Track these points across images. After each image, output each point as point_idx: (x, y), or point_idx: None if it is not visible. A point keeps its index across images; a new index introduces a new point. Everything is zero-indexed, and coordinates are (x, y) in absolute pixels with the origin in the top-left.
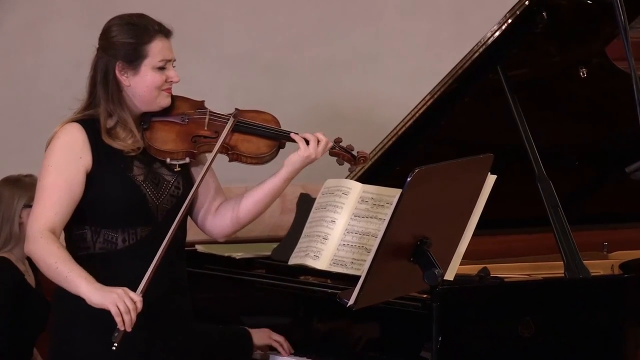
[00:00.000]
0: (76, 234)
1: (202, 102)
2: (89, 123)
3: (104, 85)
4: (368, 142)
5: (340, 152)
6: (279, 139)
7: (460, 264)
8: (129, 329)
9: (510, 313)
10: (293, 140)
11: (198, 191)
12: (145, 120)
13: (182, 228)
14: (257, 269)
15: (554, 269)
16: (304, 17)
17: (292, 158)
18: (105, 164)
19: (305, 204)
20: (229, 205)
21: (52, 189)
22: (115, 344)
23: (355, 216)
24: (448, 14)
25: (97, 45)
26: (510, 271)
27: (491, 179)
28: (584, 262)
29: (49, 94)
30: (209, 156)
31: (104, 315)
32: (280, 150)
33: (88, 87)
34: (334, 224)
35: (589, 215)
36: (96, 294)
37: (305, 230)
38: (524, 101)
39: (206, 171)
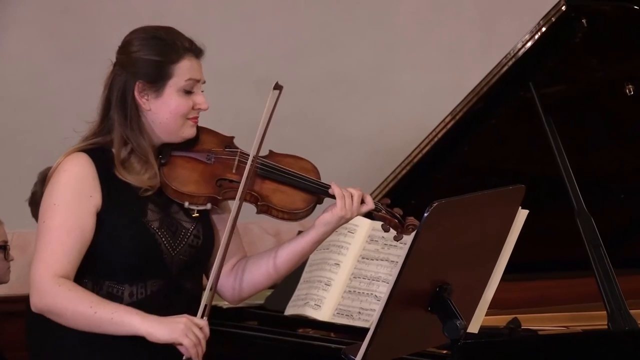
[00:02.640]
0: None
1: (232, 138)
2: (98, 154)
3: (120, 108)
4: (378, 170)
5: (387, 217)
6: (319, 193)
7: (487, 314)
8: None
9: None
10: (333, 197)
11: (215, 245)
12: (164, 153)
13: (197, 283)
14: (248, 321)
15: (596, 319)
16: (303, 24)
17: (326, 218)
18: (116, 204)
19: None
20: (248, 267)
21: (62, 232)
22: None
23: (363, 258)
24: (472, 21)
25: (114, 60)
26: (544, 322)
27: (522, 214)
28: (631, 311)
29: (3, 115)
30: (234, 203)
31: None
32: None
33: (101, 109)
34: (338, 267)
35: (637, 256)
36: (160, 328)
37: (305, 275)
38: (560, 123)
39: (234, 222)
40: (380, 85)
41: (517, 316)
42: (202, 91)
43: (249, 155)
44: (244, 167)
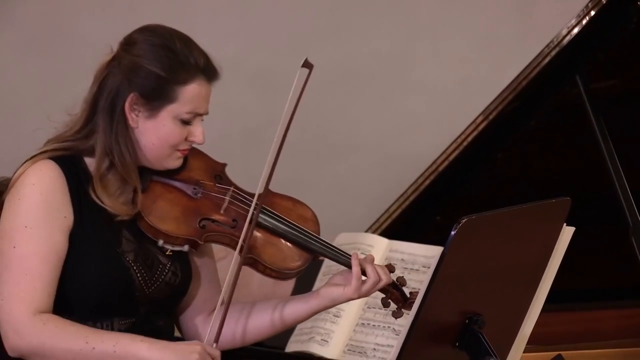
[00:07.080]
0: None
1: (224, 166)
2: (68, 163)
3: (107, 115)
4: (395, 180)
5: (389, 288)
6: (317, 253)
7: (525, 351)
8: None
9: None
10: (339, 262)
11: (192, 286)
12: (144, 177)
13: (170, 319)
14: (244, 359)
15: None
16: (306, 8)
17: (334, 293)
18: (88, 228)
19: (308, 269)
20: (233, 316)
21: (37, 260)
22: None
23: None
24: (508, 4)
25: (114, 49)
26: None
27: (568, 232)
28: None
29: None
30: (230, 266)
31: None
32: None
33: (86, 107)
34: None
35: None
36: (172, 355)
37: None
38: (612, 125)
39: (235, 283)
40: (398, 81)
41: (561, 353)
42: (202, 120)
43: (241, 193)
44: (235, 210)
